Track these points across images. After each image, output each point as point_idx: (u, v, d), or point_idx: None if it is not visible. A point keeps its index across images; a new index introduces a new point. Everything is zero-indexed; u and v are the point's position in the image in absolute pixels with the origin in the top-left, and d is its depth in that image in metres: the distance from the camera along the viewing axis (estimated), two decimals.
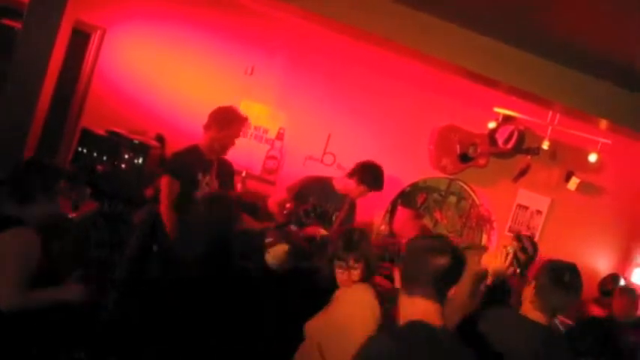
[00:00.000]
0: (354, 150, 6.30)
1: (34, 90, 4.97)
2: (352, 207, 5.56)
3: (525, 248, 4.46)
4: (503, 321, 3.25)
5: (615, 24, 4.34)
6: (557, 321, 5.40)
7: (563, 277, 3.14)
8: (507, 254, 3.92)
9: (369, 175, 5.39)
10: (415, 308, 2.44)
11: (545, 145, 6.46)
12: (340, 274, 3.50)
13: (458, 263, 2.48)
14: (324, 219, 5.33)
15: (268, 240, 4.40)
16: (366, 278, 3.52)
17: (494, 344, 3.07)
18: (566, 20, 4.55)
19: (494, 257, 3.95)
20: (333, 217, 5.40)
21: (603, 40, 4.76)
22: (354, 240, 3.52)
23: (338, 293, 3.55)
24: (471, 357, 2.49)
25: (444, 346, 2.38)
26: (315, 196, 5.36)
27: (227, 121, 4.92)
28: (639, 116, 5.78)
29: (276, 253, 4.36)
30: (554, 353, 3.14)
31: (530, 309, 3.20)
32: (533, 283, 3.24)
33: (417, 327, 2.38)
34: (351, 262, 3.47)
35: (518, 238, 4.47)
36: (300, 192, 5.39)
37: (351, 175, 5.42)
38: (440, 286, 2.45)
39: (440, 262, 2.43)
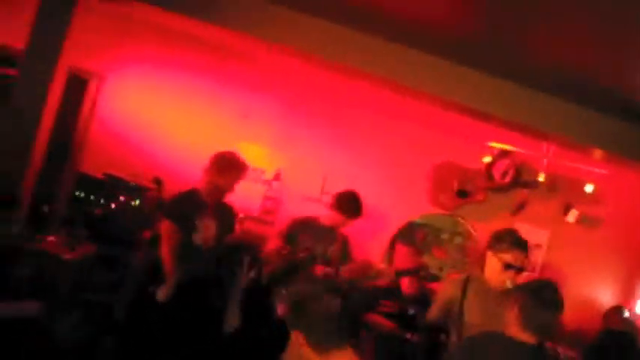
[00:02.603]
0: (350, 188, 6.32)
1: (29, 135, 4.99)
2: (345, 243, 5.58)
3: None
4: (493, 345, 3.23)
5: (607, 54, 4.37)
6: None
7: (543, 294, 3.20)
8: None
9: (345, 202, 5.44)
10: None
11: (542, 178, 6.45)
12: None
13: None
14: (319, 255, 5.34)
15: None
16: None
17: None
18: (557, 51, 4.60)
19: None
20: (328, 253, 5.40)
21: (595, 71, 4.79)
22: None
23: None
24: None
25: None
26: (303, 235, 5.36)
27: (227, 168, 4.92)
28: (633, 145, 5.79)
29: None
30: None
31: (517, 331, 3.20)
32: (515, 306, 3.24)
33: None
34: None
35: None
36: (290, 234, 5.40)
37: (331, 206, 5.48)
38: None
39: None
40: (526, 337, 3.17)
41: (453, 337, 4.14)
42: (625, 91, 5.02)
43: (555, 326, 3.22)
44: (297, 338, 2.51)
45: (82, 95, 6.34)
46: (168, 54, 6.55)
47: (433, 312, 4.38)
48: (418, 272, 6.01)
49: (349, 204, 5.45)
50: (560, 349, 5.71)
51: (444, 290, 4.39)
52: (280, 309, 4.75)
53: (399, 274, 5.82)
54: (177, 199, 5.00)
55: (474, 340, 3.36)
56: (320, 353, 2.49)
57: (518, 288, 3.38)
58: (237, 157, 5.02)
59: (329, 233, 5.48)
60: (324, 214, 5.61)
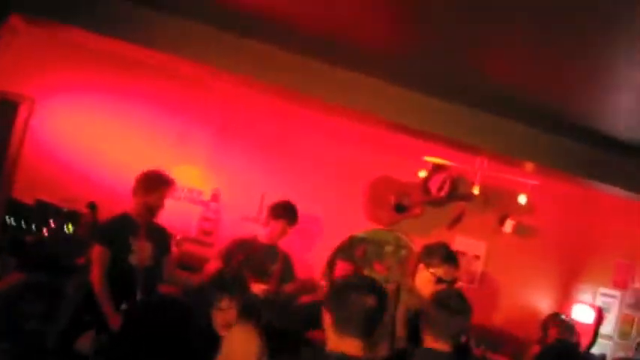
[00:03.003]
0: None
1: None
2: (288, 261, 5.62)
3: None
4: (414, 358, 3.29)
5: (536, 71, 4.46)
6: None
7: (445, 301, 3.31)
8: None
9: (281, 209, 5.58)
10: (342, 344, 2.61)
11: (476, 191, 6.57)
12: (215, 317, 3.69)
13: (383, 302, 2.68)
14: (260, 272, 5.33)
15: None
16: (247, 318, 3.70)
17: None
18: (488, 68, 4.68)
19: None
20: (269, 271, 5.41)
21: (524, 86, 4.89)
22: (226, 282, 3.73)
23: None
24: None
25: None
26: (243, 256, 5.40)
27: (153, 185, 4.94)
28: (562, 156, 5.94)
29: None
30: None
31: (430, 341, 3.26)
32: (426, 318, 3.34)
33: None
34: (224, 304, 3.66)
35: None
36: (228, 254, 5.44)
37: (268, 217, 5.60)
38: (369, 326, 2.63)
39: (369, 303, 2.61)
40: (440, 345, 3.22)
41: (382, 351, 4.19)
42: (554, 105, 5.15)
43: (464, 330, 3.33)
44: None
45: (12, 119, 6.22)
46: (101, 76, 6.48)
47: None
48: None
49: (285, 210, 5.58)
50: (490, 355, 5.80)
51: None
52: None
53: None
54: (108, 224, 5.01)
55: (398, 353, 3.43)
56: (338, 336, 2.62)
57: (428, 301, 3.47)
58: (162, 173, 5.05)
59: (269, 251, 5.53)
60: (262, 232, 5.64)
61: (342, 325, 2.61)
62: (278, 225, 5.55)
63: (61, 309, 5.07)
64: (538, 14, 3.46)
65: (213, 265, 5.44)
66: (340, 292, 2.69)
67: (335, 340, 2.63)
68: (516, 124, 5.81)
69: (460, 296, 3.35)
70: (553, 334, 5.94)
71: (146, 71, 6.40)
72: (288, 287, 5.64)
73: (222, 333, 3.71)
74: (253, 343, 3.62)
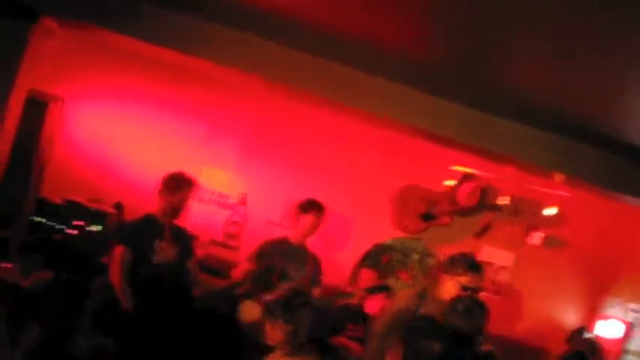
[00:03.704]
0: None
1: None
2: (317, 263, 5.59)
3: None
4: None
5: (568, 80, 4.42)
6: None
7: (459, 305, 3.43)
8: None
9: (304, 204, 5.53)
10: None
11: (506, 201, 6.51)
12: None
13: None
14: (292, 273, 5.32)
15: None
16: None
17: None
18: (519, 77, 4.65)
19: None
20: (302, 272, 5.39)
21: (555, 96, 4.84)
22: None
23: None
24: None
25: None
26: (275, 257, 5.34)
27: (176, 185, 5.01)
28: (592, 169, 5.85)
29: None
30: None
31: None
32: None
33: None
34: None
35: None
36: (260, 255, 5.40)
37: (296, 215, 5.55)
38: None
39: (437, 349, 2.81)
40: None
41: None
42: (584, 115, 5.09)
43: (473, 334, 3.37)
44: None
45: (42, 119, 6.26)
46: (131, 78, 6.52)
47: (386, 321, 4.38)
48: (387, 288, 5.90)
49: (311, 203, 5.53)
50: None
51: (399, 301, 4.43)
52: None
53: (370, 290, 5.73)
54: (132, 224, 5.11)
55: None
56: None
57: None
58: (185, 174, 5.12)
59: (299, 252, 5.49)
60: (292, 232, 5.60)
61: None
62: (308, 219, 5.48)
63: (84, 308, 5.10)
64: (566, 21, 3.41)
65: (243, 267, 5.43)
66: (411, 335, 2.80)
67: None
68: (546, 133, 5.74)
69: (470, 300, 3.46)
70: (577, 348, 5.85)
71: (177, 74, 6.42)
72: (315, 291, 5.61)
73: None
74: None
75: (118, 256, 4.76)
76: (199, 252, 5.86)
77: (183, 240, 5.16)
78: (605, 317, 6.97)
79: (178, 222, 5.16)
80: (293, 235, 5.55)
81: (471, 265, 4.12)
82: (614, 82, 4.17)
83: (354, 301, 5.98)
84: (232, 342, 4.37)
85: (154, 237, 4.91)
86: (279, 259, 5.36)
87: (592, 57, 3.86)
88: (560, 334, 6.48)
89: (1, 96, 4.84)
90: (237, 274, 5.45)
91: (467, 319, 3.27)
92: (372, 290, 5.64)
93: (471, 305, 3.34)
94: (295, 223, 5.56)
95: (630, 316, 7.07)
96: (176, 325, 4.67)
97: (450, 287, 4.08)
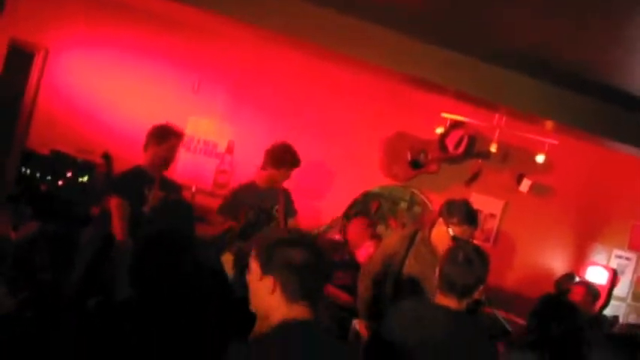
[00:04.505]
0: (304, 161, 6.28)
1: None
2: (288, 198, 5.56)
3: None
4: (412, 312, 3.25)
5: (554, 26, 4.38)
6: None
7: (459, 255, 3.18)
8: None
9: (277, 157, 5.38)
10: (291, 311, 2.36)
11: (494, 149, 6.51)
12: None
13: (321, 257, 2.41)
14: (269, 219, 5.31)
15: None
16: None
17: (409, 338, 3.08)
18: (510, 24, 4.60)
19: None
20: (273, 212, 5.37)
21: (546, 44, 4.81)
22: None
23: None
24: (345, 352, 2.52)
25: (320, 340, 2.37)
26: (247, 203, 5.31)
27: (163, 136, 5.01)
28: (583, 115, 5.85)
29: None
30: (466, 335, 3.13)
31: (440, 297, 3.21)
32: (437, 270, 3.27)
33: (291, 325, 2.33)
34: None
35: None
36: (230, 205, 5.37)
37: (264, 165, 5.43)
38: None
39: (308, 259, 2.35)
40: (448, 301, 3.17)
41: (388, 290, 4.23)
42: (575, 62, 5.07)
43: (474, 286, 3.17)
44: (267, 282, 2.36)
45: (27, 69, 6.18)
46: (117, 28, 6.41)
47: (375, 263, 4.43)
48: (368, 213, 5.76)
49: (285, 158, 5.40)
50: (503, 314, 5.78)
51: (389, 243, 4.47)
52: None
53: (347, 217, 5.64)
54: (123, 175, 5.06)
55: (401, 307, 3.37)
56: (288, 302, 2.35)
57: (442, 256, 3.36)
58: (171, 125, 5.10)
59: (270, 194, 5.43)
60: (257, 176, 5.52)
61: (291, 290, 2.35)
62: (279, 173, 5.39)
63: (74, 259, 5.09)
64: None
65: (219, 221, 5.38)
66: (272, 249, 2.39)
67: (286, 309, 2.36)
68: (536, 81, 5.73)
69: (471, 249, 3.24)
70: (576, 298, 5.90)
71: (163, 23, 6.35)
72: (291, 222, 5.57)
73: None
74: None
75: (116, 207, 4.75)
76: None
77: (172, 190, 5.16)
78: (592, 264, 7.05)
79: (167, 173, 5.16)
80: (259, 181, 5.49)
81: (467, 216, 4.11)
82: (606, 30, 4.15)
83: (334, 235, 6.00)
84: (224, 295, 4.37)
85: (145, 189, 4.91)
86: (249, 204, 5.33)
87: (584, 5, 3.82)
88: (548, 281, 6.54)
89: None
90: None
91: (465, 270, 3.12)
92: (348, 216, 5.58)
93: (472, 254, 3.16)
94: (264, 169, 5.45)
95: (615, 262, 7.17)
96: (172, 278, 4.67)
97: (442, 233, 4.09)
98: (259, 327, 2.42)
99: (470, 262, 3.15)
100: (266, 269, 2.35)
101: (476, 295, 3.21)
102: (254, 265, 2.40)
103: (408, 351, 3.03)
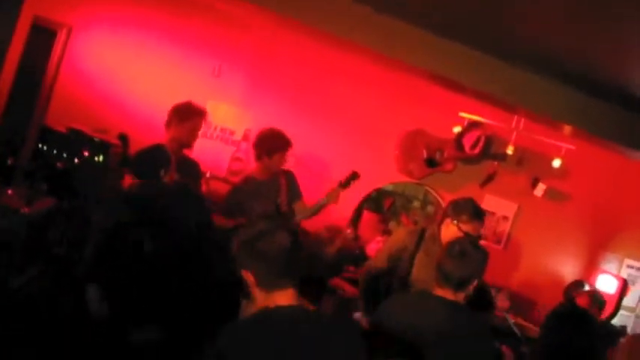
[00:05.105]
0: (318, 153, 6.31)
1: None
2: (291, 179, 5.50)
3: None
4: (407, 301, 3.33)
5: (580, 34, 4.36)
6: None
7: (455, 248, 3.25)
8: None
9: (267, 145, 5.30)
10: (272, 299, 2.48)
11: (510, 151, 6.48)
12: None
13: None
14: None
15: None
16: None
17: (403, 327, 3.09)
18: (532, 26, 4.57)
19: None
20: (278, 202, 5.34)
21: (567, 48, 4.78)
22: None
23: None
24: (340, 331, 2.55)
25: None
26: (248, 201, 5.24)
27: (186, 115, 4.99)
28: (600, 122, 5.81)
29: None
30: (461, 324, 3.15)
31: (436, 289, 3.25)
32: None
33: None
34: None
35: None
36: (232, 204, 5.30)
37: (258, 156, 5.35)
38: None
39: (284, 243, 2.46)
40: (443, 293, 3.21)
41: (397, 285, 4.23)
42: (595, 69, 5.04)
43: (469, 278, 3.22)
44: (247, 278, 2.50)
45: (49, 46, 6.20)
46: (140, 9, 6.44)
47: (379, 259, 4.43)
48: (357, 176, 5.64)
49: (275, 143, 5.31)
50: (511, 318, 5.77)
51: (398, 238, 4.46)
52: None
53: (342, 185, 5.54)
54: (141, 154, 5.05)
55: (396, 296, 3.41)
56: (266, 293, 2.47)
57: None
58: (195, 103, 5.06)
59: (269, 184, 5.38)
60: (254, 168, 5.47)
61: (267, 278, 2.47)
62: (273, 161, 5.30)
63: (89, 237, 5.12)
64: None
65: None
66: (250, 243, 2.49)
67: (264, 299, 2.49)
68: (556, 85, 5.68)
69: (468, 243, 3.30)
70: (582, 303, 5.87)
71: (188, 6, 6.36)
72: (298, 205, 5.50)
73: None
74: None
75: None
76: (204, 188, 5.88)
77: (193, 172, 5.15)
78: (602, 272, 7.00)
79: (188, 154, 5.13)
80: (257, 174, 5.43)
81: (474, 212, 4.12)
82: (632, 38, 4.11)
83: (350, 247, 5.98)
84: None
85: (160, 166, 4.89)
86: (251, 200, 5.26)
87: (604, 10, 3.79)
88: (557, 287, 6.50)
89: (7, 22, 4.75)
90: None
91: (460, 262, 3.16)
92: (344, 184, 5.48)
93: (467, 248, 3.22)
94: (259, 159, 5.39)
95: (625, 272, 7.12)
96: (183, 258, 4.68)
97: (450, 231, 4.09)
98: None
99: (465, 255, 3.20)
100: (242, 267, 2.50)
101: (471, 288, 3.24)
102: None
103: (401, 338, 3.05)
